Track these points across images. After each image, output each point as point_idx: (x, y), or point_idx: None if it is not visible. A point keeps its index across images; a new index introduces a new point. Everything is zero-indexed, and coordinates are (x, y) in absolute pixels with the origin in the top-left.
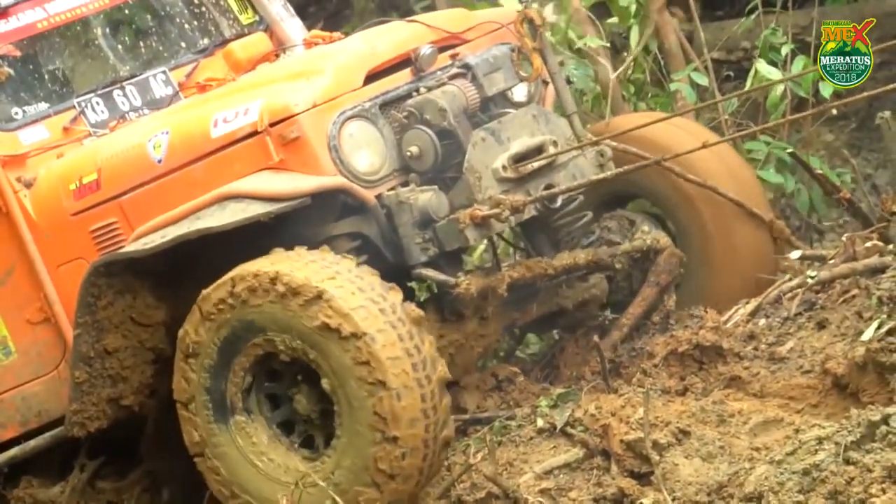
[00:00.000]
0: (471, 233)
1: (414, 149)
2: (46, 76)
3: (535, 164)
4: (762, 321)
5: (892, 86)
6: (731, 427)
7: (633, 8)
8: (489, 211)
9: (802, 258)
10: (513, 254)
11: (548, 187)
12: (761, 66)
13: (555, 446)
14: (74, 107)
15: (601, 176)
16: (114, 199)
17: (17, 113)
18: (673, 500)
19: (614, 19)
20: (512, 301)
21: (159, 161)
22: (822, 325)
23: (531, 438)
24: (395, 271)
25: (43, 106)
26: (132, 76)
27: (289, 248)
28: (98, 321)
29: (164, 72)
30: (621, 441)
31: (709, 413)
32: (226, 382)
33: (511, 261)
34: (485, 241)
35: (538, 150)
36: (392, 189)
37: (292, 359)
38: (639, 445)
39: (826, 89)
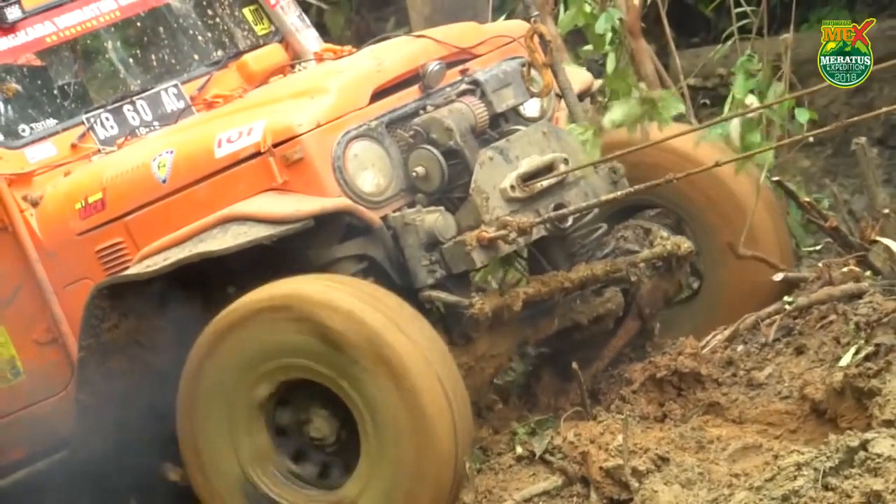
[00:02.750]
0: (477, 255)
1: (420, 169)
2: (55, 91)
3: (545, 183)
4: (740, 347)
5: (868, 114)
6: (710, 453)
7: (609, 35)
8: (496, 233)
9: (785, 280)
10: (521, 267)
11: (558, 206)
12: (737, 92)
13: (534, 473)
14: (83, 122)
15: (612, 196)
16: (119, 220)
17: (24, 130)
18: None
19: (590, 46)
20: (524, 318)
21: (164, 181)
22: (800, 351)
23: (510, 466)
24: (403, 293)
25: (51, 122)
26: (143, 90)
27: (293, 270)
28: (102, 344)
29: (175, 85)
30: (600, 468)
31: (688, 439)
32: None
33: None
34: None
35: (548, 168)
36: (398, 210)
37: (302, 383)
38: (618, 472)
39: (802, 115)
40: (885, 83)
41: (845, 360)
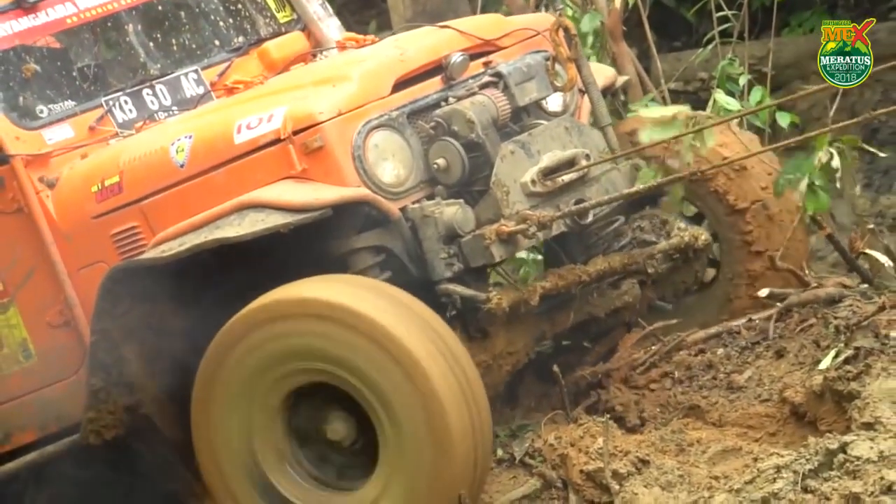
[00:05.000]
0: (496, 249)
1: (441, 161)
2: (74, 73)
3: (566, 178)
4: (720, 350)
5: (854, 119)
6: (690, 456)
7: (591, 39)
8: (515, 227)
9: (770, 296)
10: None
11: (579, 202)
12: (719, 96)
13: (514, 476)
14: (102, 105)
15: (633, 191)
16: (135, 204)
17: (42, 111)
18: None
19: None
20: (540, 313)
21: (182, 166)
22: (780, 354)
23: (490, 469)
24: (421, 286)
25: (69, 104)
26: (163, 74)
27: (309, 259)
28: (115, 328)
29: (195, 70)
30: (581, 471)
31: (668, 442)
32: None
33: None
34: None
35: (570, 163)
36: (417, 202)
37: (320, 385)
38: (598, 475)
39: (783, 119)
40: (865, 88)
41: (825, 363)
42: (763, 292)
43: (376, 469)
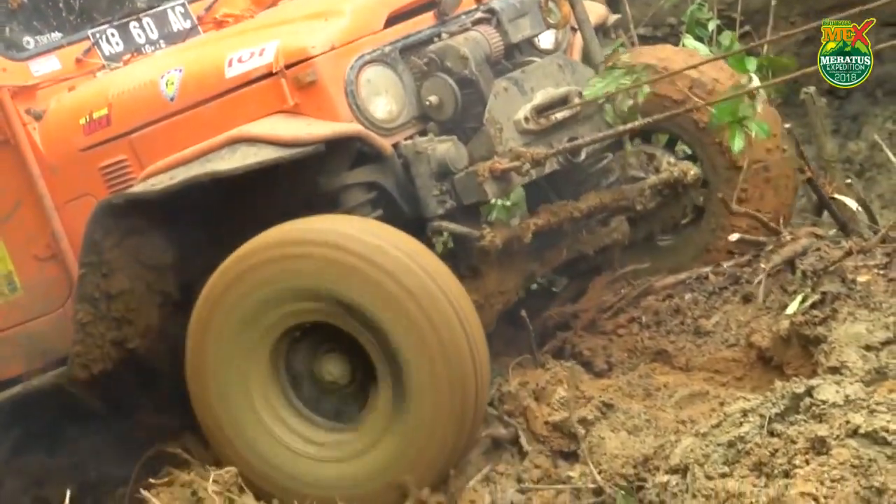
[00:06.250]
0: (490, 187)
1: (433, 97)
2: (61, 5)
3: (559, 116)
4: (688, 295)
5: (803, 70)
6: (656, 400)
7: None
8: (509, 164)
9: (741, 241)
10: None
11: (572, 140)
12: (688, 41)
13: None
14: (88, 38)
15: (626, 128)
16: (124, 136)
17: (28, 42)
18: (599, 472)
19: None
20: (530, 252)
21: (171, 99)
22: (747, 299)
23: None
24: (412, 224)
25: (56, 36)
26: (150, 7)
27: (299, 195)
28: (104, 262)
29: (183, 4)
30: (545, 423)
31: (635, 387)
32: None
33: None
34: None
35: (563, 101)
36: (409, 138)
37: (314, 326)
38: (565, 424)
39: (750, 65)
40: None
41: (792, 308)
42: (733, 237)
43: (376, 407)
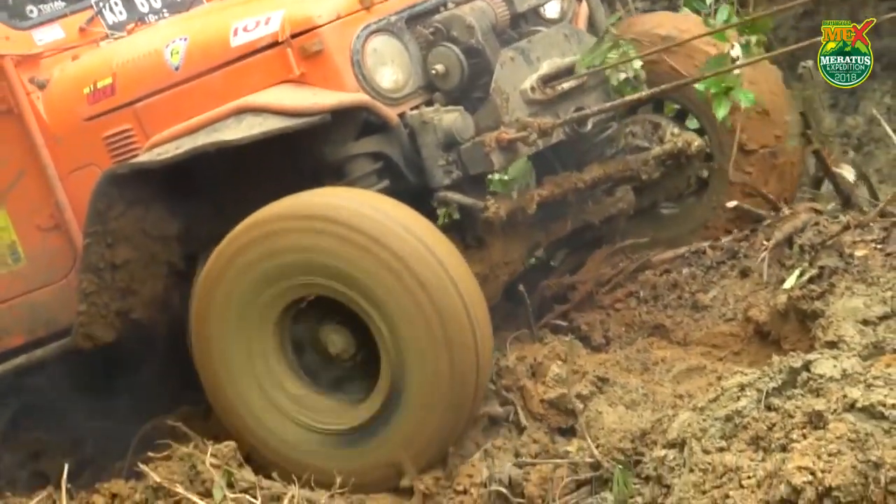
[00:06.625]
0: (496, 157)
1: (440, 67)
2: None
3: (565, 86)
4: (685, 270)
5: (815, 39)
6: (654, 375)
7: None
8: (516, 134)
9: (739, 213)
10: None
11: (578, 110)
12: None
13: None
14: (92, 7)
15: (633, 97)
16: (128, 106)
17: (31, 11)
18: (597, 447)
19: None
20: (535, 222)
21: (176, 68)
22: (744, 274)
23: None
24: (418, 194)
25: (59, 5)
26: None
27: (305, 166)
28: (109, 231)
29: None
30: (541, 401)
31: (632, 361)
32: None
33: None
34: None
35: (569, 70)
36: (416, 108)
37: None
38: (561, 401)
39: (722, 14)
40: (832, 7)
41: (789, 282)
42: (730, 204)
43: (379, 380)
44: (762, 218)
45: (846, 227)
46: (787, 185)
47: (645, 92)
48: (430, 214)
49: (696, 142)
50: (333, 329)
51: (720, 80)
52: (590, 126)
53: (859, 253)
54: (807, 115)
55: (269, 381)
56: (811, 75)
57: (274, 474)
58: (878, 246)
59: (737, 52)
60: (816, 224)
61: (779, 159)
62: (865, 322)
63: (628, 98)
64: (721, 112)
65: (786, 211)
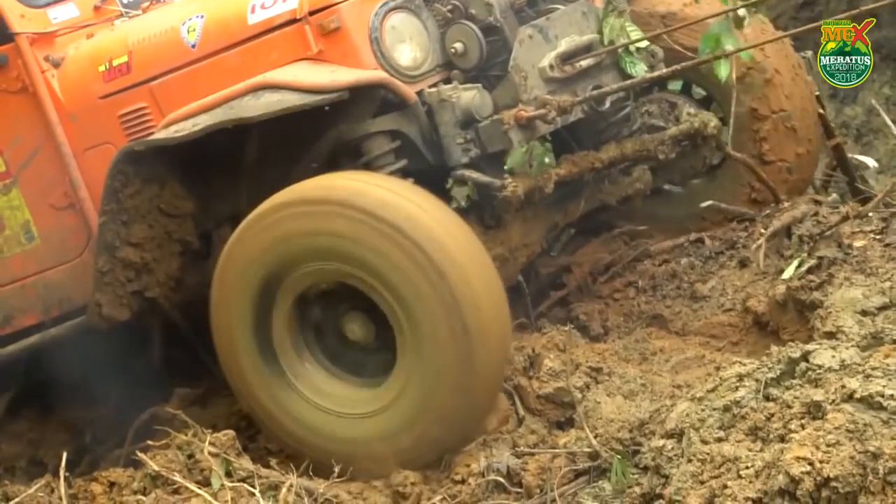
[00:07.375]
0: (515, 135)
1: (458, 45)
2: None
3: (584, 64)
4: (684, 260)
5: (813, 24)
6: (652, 365)
7: None
8: (535, 112)
9: (710, 208)
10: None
11: (596, 88)
12: None
13: None
14: None
15: (652, 75)
16: (144, 84)
17: None
18: (595, 437)
19: None
20: (553, 202)
21: (193, 46)
22: (743, 264)
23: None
24: (436, 173)
25: None
26: None
27: (322, 144)
28: (124, 209)
29: None
30: (538, 397)
31: (631, 351)
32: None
33: None
34: None
35: (587, 48)
36: (434, 86)
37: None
38: (558, 394)
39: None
40: None
41: (788, 272)
42: (704, 204)
43: (395, 368)
44: (746, 217)
45: (845, 218)
46: (807, 147)
47: (664, 70)
48: (446, 197)
49: (713, 122)
50: (351, 314)
51: (717, 40)
52: (608, 104)
53: (858, 243)
54: (824, 107)
55: (288, 364)
56: (810, 65)
57: (272, 462)
58: (877, 237)
59: (742, 12)
60: (815, 214)
61: (793, 122)
62: (864, 312)
63: (647, 76)
64: (723, 71)
65: (785, 203)
